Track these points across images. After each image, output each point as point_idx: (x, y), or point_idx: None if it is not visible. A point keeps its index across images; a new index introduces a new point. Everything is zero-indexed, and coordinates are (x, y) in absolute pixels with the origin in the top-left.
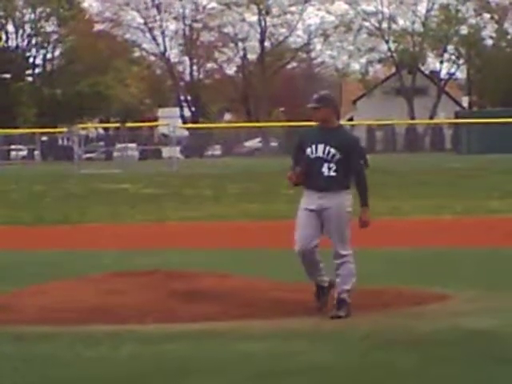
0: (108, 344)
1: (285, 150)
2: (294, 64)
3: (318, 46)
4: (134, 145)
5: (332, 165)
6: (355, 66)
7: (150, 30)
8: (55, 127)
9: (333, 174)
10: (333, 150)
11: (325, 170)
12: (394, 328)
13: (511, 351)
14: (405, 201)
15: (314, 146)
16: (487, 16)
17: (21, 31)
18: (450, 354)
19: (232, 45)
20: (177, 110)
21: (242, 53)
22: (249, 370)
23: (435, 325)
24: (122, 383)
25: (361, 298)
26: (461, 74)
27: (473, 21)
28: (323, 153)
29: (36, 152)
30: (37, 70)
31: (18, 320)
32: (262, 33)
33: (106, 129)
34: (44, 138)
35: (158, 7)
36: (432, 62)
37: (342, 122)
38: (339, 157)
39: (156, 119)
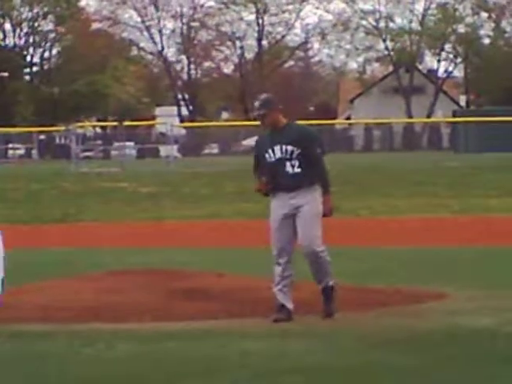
0: (106, 342)
1: None
2: (292, 63)
3: (316, 45)
4: (131, 143)
5: (294, 161)
6: (353, 65)
7: (148, 28)
8: (53, 126)
9: (297, 170)
10: (290, 147)
11: (289, 168)
12: (392, 327)
13: (509, 350)
14: (402, 199)
15: (270, 150)
16: (484, 15)
17: (18, 30)
18: (448, 353)
19: (229, 43)
20: (174, 109)
21: (239, 51)
22: (247, 369)
23: (434, 324)
24: (120, 382)
25: (359, 297)
26: (458, 73)
27: (470, 19)
28: (281, 153)
29: (33, 151)
30: (34, 69)
31: (16, 318)
32: (260, 31)
33: (103, 127)
34: (42, 137)
35: (155, 6)
36: (429, 61)
37: (340, 120)
38: (298, 151)
39: (153, 118)
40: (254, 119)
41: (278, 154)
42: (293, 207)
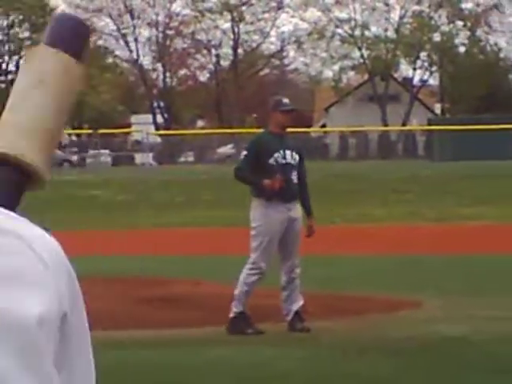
0: None
1: None
2: (267, 71)
3: (291, 53)
4: (106, 151)
5: (295, 171)
6: (328, 73)
7: (123, 36)
8: None
9: (296, 181)
10: (297, 156)
11: (294, 177)
12: (366, 335)
13: (483, 358)
14: (377, 208)
15: (282, 151)
16: (460, 23)
17: None
18: (422, 360)
19: (205, 51)
20: (150, 117)
21: (214, 59)
22: (220, 377)
23: (406, 332)
24: None
25: (333, 305)
26: (433, 81)
27: (446, 28)
28: (291, 158)
29: None
30: (9, 77)
31: None
32: (235, 40)
33: (78, 135)
34: None
35: (131, 14)
36: (405, 69)
37: (315, 128)
38: (297, 163)
39: (129, 126)
40: (287, 111)
41: (289, 159)
42: (290, 219)
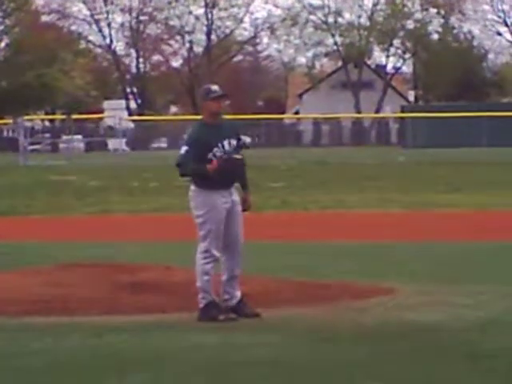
0: (53, 336)
1: None
2: (241, 57)
3: (265, 40)
4: (79, 137)
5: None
6: (301, 60)
7: (97, 22)
8: (0, 119)
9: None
10: (233, 141)
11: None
12: (341, 322)
13: (457, 345)
14: (351, 194)
15: (219, 146)
16: (433, 11)
17: None
18: (397, 347)
19: (178, 37)
20: (123, 103)
21: (188, 45)
22: (196, 362)
23: (382, 318)
24: (66, 374)
25: (307, 292)
26: (407, 69)
27: (419, 15)
28: (229, 147)
29: None
30: None
31: None
32: (209, 26)
33: (51, 120)
34: None
35: None
36: (378, 56)
37: (289, 115)
38: (235, 146)
39: (102, 111)
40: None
41: (227, 149)
42: (232, 204)
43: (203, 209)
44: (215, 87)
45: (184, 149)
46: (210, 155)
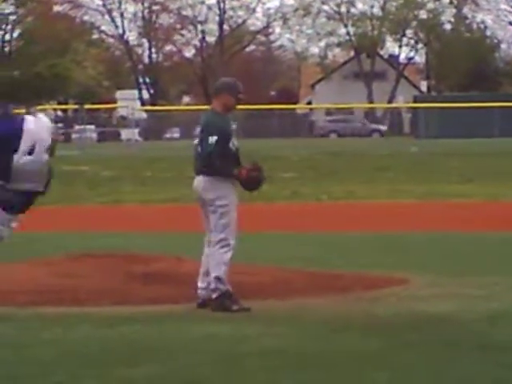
0: (64, 326)
1: (243, 132)
2: (253, 47)
3: (277, 30)
4: (92, 127)
5: None
6: (314, 50)
7: (109, 11)
8: (14, 109)
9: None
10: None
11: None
12: (353, 312)
13: (468, 336)
14: (363, 185)
15: (234, 140)
16: (446, 1)
17: None
18: (408, 338)
19: (191, 27)
20: (135, 93)
21: (200, 35)
22: (208, 353)
23: (394, 309)
24: (77, 364)
25: (319, 283)
26: (419, 59)
27: (432, 5)
28: (237, 143)
29: None
30: None
31: None
32: (221, 15)
33: (64, 110)
34: None
35: None
36: (391, 46)
37: (301, 105)
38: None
39: (114, 101)
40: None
41: (236, 144)
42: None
43: (227, 198)
44: (242, 86)
45: (214, 139)
46: (230, 145)
